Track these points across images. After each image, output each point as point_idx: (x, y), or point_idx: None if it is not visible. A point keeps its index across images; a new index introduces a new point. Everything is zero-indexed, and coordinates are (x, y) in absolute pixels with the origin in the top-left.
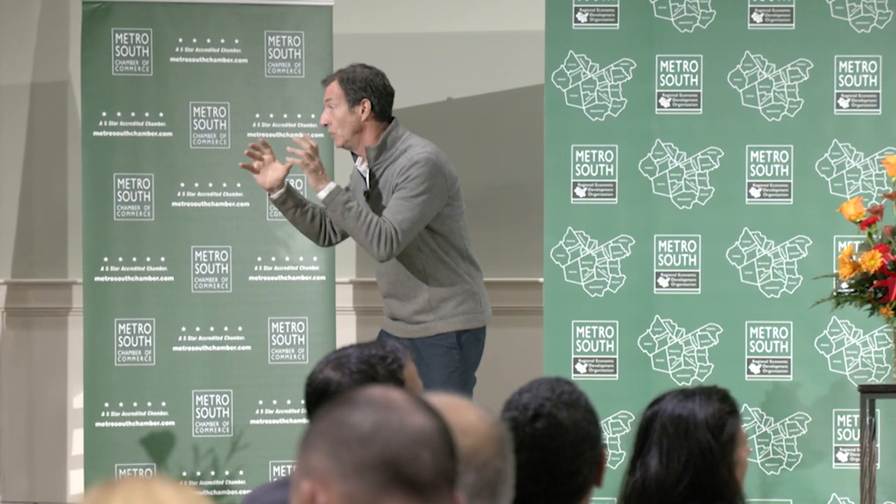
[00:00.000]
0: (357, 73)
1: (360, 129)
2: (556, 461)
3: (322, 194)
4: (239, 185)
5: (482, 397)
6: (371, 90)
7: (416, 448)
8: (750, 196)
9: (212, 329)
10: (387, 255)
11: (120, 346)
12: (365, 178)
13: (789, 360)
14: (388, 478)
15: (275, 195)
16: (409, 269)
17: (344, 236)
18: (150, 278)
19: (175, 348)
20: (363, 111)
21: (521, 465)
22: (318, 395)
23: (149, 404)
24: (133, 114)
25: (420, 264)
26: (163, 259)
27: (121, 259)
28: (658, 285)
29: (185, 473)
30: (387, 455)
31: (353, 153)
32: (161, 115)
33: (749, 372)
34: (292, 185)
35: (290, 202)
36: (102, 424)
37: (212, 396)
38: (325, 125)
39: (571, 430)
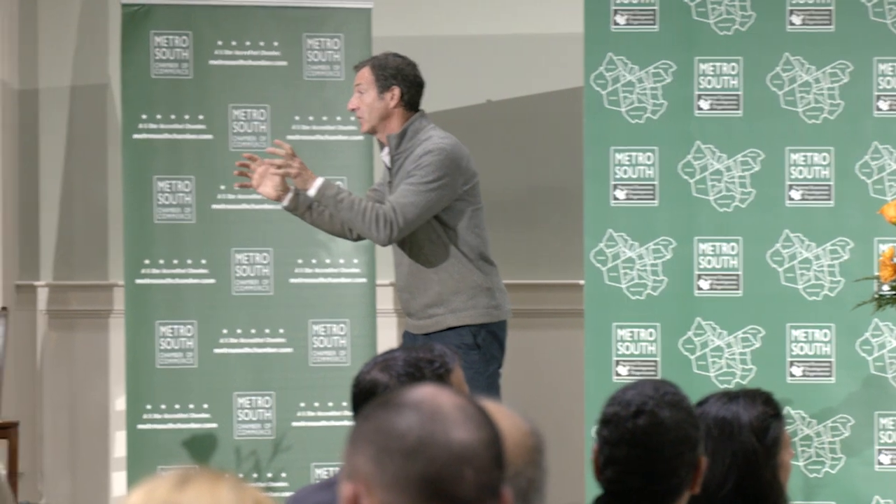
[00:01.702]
0: (389, 60)
1: (386, 116)
2: (655, 459)
3: (311, 192)
4: None
5: (523, 400)
6: (401, 78)
7: (458, 466)
8: (790, 198)
9: (253, 331)
10: (387, 237)
11: (161, 348)
12: (389, 168)
13: (831, 362)
14: (429, 494)
15: (285, 202)
16: (421, 260)
17: None
18: (191, 280)
19: (216, 350)
20: (392, 98)
21: (620, 460)
22: (365, 396)
23: (191, 406)
24: (173, 116)
25: (432, 256)
26: (204, 261)
27: (161, 261)
28: (699, 288)
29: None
30: (429, 473)
31: (379, 143)
32: (201, 117)
33: (791, 374)
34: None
35: (302, 206)
36: (144, 426)
37: (253, 398)
38: (352, 109)
39: (672, 429)
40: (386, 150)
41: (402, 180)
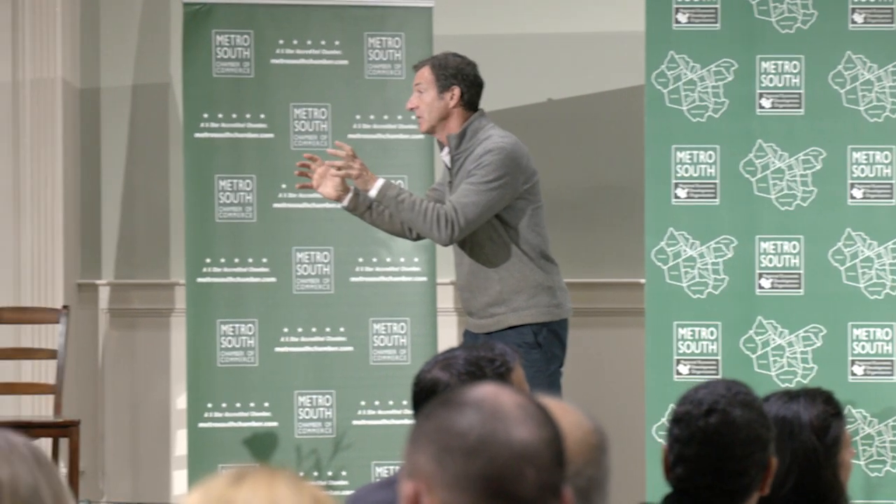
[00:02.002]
0: (449, 60)
1: (446, 116)
2: (725, 457)
3: (372, 193)
4: None
5: (583, 399)
6: (461, 78)
7: (520, 465)
8: (852, 197)
9: (314, 330)
10: (448, 237)
11: (222, 346)
12: (448, 168)
13: (893, 361)
14: (490, 493)
15: (344, 202)
16: (482, 259)
17: None
18: (252, 279)
19: (277, 349)
20: (452, 98)
21: (690, 458)
22: (426, 395)
23: (251, 405)
24: (234, 115)
25: (493, 255)
26: (265, 260)
27: (223, 260)
28: (760, 286)
29: None
30: (490, 471)
31: (439, 143)
32: (262, 116)
33: (852, 373)
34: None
35: (361, 206)
36: (205, 425)
37: (314, 397)
38: (411, 109)
39: (743, 429)
40: (446, 149)
41: (462, 180)
